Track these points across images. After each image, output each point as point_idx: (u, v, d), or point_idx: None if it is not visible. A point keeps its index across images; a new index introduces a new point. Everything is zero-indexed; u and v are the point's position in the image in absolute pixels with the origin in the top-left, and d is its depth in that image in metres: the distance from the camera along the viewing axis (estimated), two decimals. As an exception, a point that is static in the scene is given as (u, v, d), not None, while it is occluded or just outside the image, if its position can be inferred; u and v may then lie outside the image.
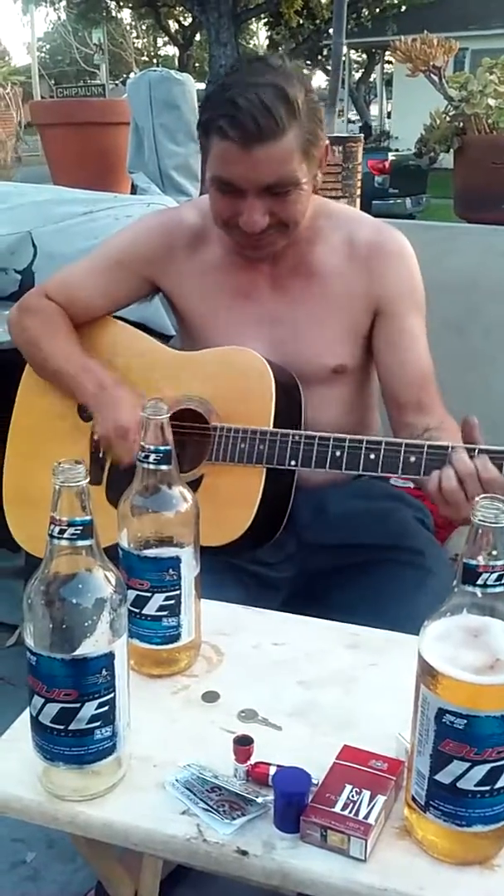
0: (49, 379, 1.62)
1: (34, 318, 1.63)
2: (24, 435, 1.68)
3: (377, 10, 23.09)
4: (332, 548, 1.53)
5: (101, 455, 1.57)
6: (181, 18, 27.36)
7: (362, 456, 1.37)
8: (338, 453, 1.39)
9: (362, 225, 1.58)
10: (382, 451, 1.36)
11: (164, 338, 1.77)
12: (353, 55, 27.77)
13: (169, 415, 1.06)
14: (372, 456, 1.37)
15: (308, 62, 26.42)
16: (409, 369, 1.53)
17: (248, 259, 1.53)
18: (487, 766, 0.80)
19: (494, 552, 0.79)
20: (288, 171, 1.38)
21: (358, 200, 2.44)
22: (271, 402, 1.44)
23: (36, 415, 1.67)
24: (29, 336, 1.63)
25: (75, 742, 0.89)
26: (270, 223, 1.42)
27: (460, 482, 1.28)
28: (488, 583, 0.79)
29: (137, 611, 1.08)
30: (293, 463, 1.42)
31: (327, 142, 1.46)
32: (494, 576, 0.79)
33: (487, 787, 0.81)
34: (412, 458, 1.34)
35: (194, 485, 1.43)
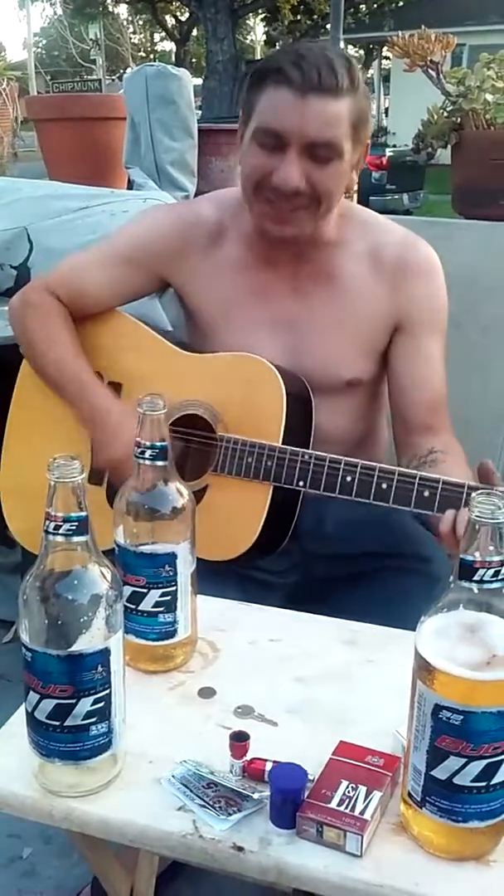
0: (46, 384, 1.59)
1: (35, 316, 1.57)
2: (23, 428, 1.65)
3: (374, 5, 23.05)
4: (335, 556, 1.50)
5: None
6: (178, 14, 27.30)
7: (374, 485, 1.33)
8: (348, 479, 1.35)
9: (390, 235, 1.53)
10: (395, 482, 1.32)
11: (162, 334, 1.76)
12: (350, 51, 27.74)
13: (165, 411, 1.05)
14: (384, 486, 1.33)
15: (305, 58, 26.37)
16: (422, 391, 1.50)
17: (269, 257, 1.50)
18: (483, 762, 0.80)
19: (491, 548, 0.78)
20: (336, 134, 1.34)
21: (355, 196, 2.43)
22: (281, 415, 1.40)
23: (35, 408, 1.64)
24: (29, 337, 1.59)
25: (71, 738, 0.89)
26: (304, 190, 1.36)
27: None
28: (485, 579, 0.79)
29: (133, 607, 1.07)
30: (301, 483, 1.38)
31: (369, 142, 1.44)
32: (491, 571, 0.79)
33: (483, 783, 0.81)
34: (426, 493, 1.30)
35: (198, 495, 1.40)
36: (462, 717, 0.79)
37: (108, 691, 0.89)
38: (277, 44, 22.54)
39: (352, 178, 1.45)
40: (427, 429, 1.48)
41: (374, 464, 1.35)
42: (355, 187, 2.39)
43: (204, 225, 1.55)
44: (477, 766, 0.80)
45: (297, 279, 1.51)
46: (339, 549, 1.50)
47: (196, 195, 2.42)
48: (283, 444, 1.40)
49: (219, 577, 1.31)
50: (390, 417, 1.58)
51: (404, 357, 1.51)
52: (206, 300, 1.56)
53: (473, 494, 0.80)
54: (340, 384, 1.52)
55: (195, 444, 1.47)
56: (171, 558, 1.07)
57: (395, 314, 1.50)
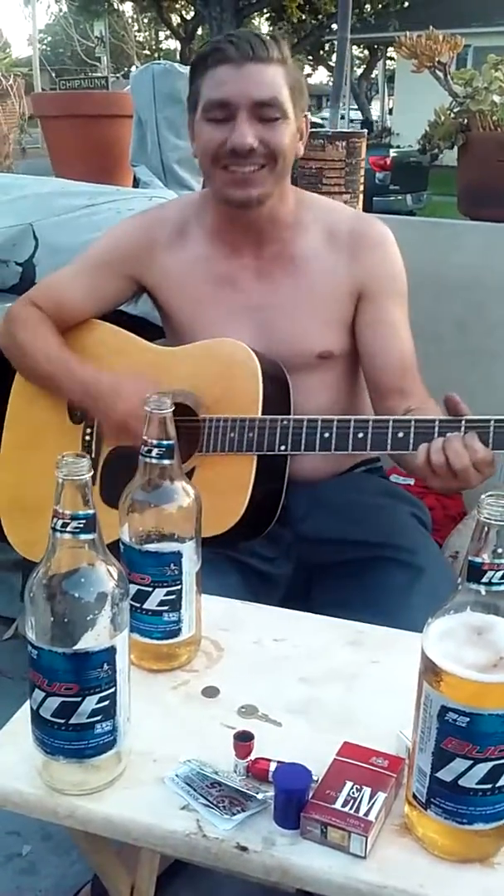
0: (38, 384, 1.65)
1: (20, 327, 1.65)
2: (16, 442, 1.70)
3: (380, 5, 22.99)
4: (327, 542, 1.53)
5: (93, 455, 1.58)
6: (183, 12, 27.28)
7: (351, 435, 1.39)
8: (326, 434, 1.40)
9: (342, 214, 1.63)
10: (370, 429, 1.38)
11: (163, 332, 1.76)
12: (355, 51, 27.71)
13: (172, 409, 1.06)
14: (360, 435, 1.38)
15: (310, 57, 26.40)
16: (390, 355, 1.55)
17: (232, 247, 1.57)
18: (489, 765, 0.80)
19: (500, 550, 0.78)
20: (277, 93, 1.44)
21: (360, 197, 2.43)
22: (258, 389, 1.45)
23: (27, 423, 1.69)
24: (16, 344, 1.65)
25: (76, 736, 0.88)
26: (258, 149, 1.44)
27: (446, 454, 1.29)
28: (493, 581, 0.79)
29: (138, 605, 1.07)
30: (283, 448, 1.42)
31: (308, 115, 1.53)
32: (499, 574, 0.79)
33: (489, 786, 0.81)
34: (400, 434, 1.36)
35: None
36: (468, 719, 0.79)
37: (113, 690, 0.89)
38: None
39: (299, 147, 1.53)
40: (399, 392, 1.54)
41: (348, 417, 1.41)
42: (361, 188, 2.40)
43: (168, 225, 1.63)
44: (483, 769, 0.80)
45: (260, 264, 1.58)
46: (330, 534, 1.53)
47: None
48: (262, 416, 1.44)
49: (218, 568, 1.33)
50: (367, 389, 1.63)
51: (369, 324, 1.57)
52: (177, 296, 1.62)
53: (482, 497, 0.80)
54: (312, 358, 1.57)
55: (181, 430, 1.49)
56: (176, 557, 1.07)
57: (356, 284, 1.56)
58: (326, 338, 1.57)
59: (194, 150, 1.54)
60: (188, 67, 2.51)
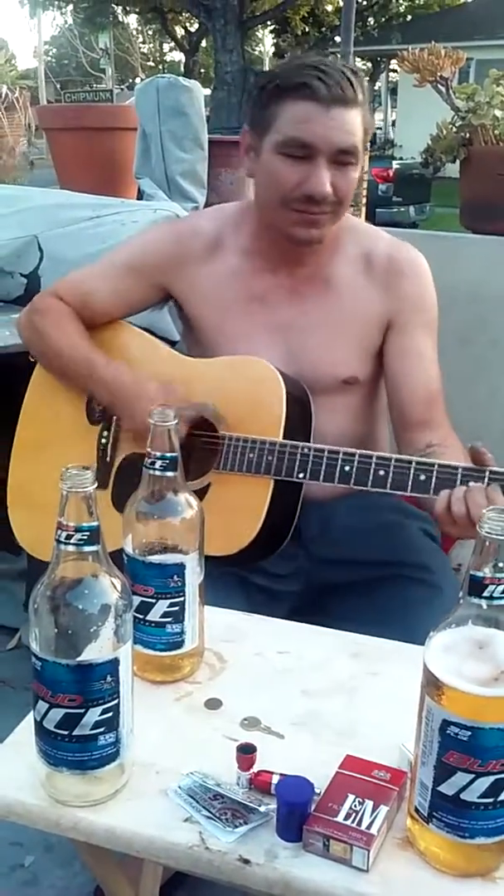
0: (59, 375, 1.63)
1: (44, 317, 1.62)
2: (31, 438, 1.68)
3: (383, 18, 23.15)
4: (338, 562, 1.52)
5: (107, 459, 1.57)
6: (187, 24, 27.42)
7: (372, 472, 1.37)
8: (347, 468, 1.39)
9: (380, 240, 1.60)
10: (392, 468, 1.36)
11: (169, 343, 1.77)
12: (358, 63, 27.84)
13: (176, 422, 1.06)
14: (381, 472, 1.37)
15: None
16: (417, 387, 1.54)
17: (266, 265, 1.55)
18: (491, 779, 0.80)
19: (501, 564, 0.79)
20: (357, 140, 1.43)
21: (363, 209, 2.45)
22: (281, 412, 1.44)
23: (43, 418, 1.67)
24: (38, 335, 1.63)
25: (79, 747, 0.89)
26: (330, 197, 1.43)
27: (467, 505, 1.27)
28: (494, 595, 0.79)
29: (141, 617, 1.08)
30: (301, 475, 1.41)
31: (367, 147, 1.53)
32: (500, 588, 0.79)
33: (491, 800, 0.81)
34: (422, 477, 1.34)
35: (201, 493, 1.43)
36: (470, 732, 0.79)
37: (116, 701, 0.89)
38: (286, 55, 22.63)
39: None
40: (424, 424, 1.52)
41: (371, 452, 1.39)
42: (364, 200, 2.41)
43: (202, 237, 1.60)
44: (484, 783, 0.80)
45: (294, 283, 1.57)
46: (343, 555, 1.52)
47: (206, 207, 2.43)
48: (283, 440, 1.43)
49: (224, 585, 1.33)
50: (389, 417, 1.62)
51: (397, 354, 1.56)
52: (205, 308, 1.60)
53: (484, 511, 0.81)
54: (337, 383, 1.55)
55: (199, 444, 1.50)
56: (179, 569, 1.07)
57: (387, 313, 1.55)
58: (353, 364, 1.56)
59: (249, 170, 1.52)
60: (193, 81, 2.54)
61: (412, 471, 1.35)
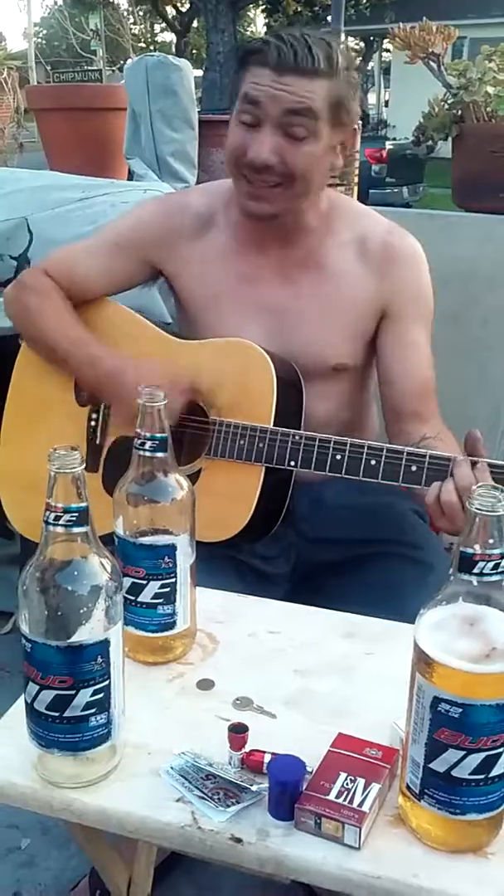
0: (44, 354, 1.60)
1: (31, 294, 1.60)
2: (20, 419, 1.66)
3: (376, -3, 22.94)
4: (330, 541, 1.52)
5: (97, 442, 1.56)
6: (178, 4, 27.17)
7: (363, 462, 1.37)
8: (338, 457, 1.38)
9: (376, 225, 1.56)
10: (384, 458, 1.36)
11: (161, 326, 1.76)
12: (351, 43, 27.60)
13: (165, 402, 1.05)
14: (373, 462, 1.36)
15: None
16: (411, 379, 1.52)
17: (257, 243, 1.53)
18: (482, 755, 0.80)
19: (491, 541, 0.78)
20: (312, 107, 1.37)
21: (355, 189, 2.43)
22: (272, 398, 1.42)
23: (31, 399, 1.65)
24: (25, 311, 1.61)
25: (70, 729, 0.89)
26: (275, 166, 1.39)
27: (459, 495, 1.27)
28: (484, 571, 0.79)
29: (133, 598, 1.07)
30: (292, 464, 1.40)
31: (356, 127, 1.47)
32: (490, 564, 0.79)
33: (482, 776, 0.81)
34: (413, 468, 1.33)
35: (192, 479, 1.41)
36: (461, 709, 0.79)
37: (107, 682, 0.89)
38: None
39: (334, 163, 1.47)
40: (417, 416, 1.51)
41: (363, 441, 1.38)
42: (356, 180, 2.40)
43: (192, 213, 1.58)
44: (475, 759, 0.81)
45: (285, 266, 1.54)
46: (333, 534, 1.52)
47: (197, 186, 2.41)
48: (274, 426, 1.42)
49: (216, 567, 1.32)
50: (381, 407, 1.60)
51: (391, 344, 1.53)
52: (196, 286, 1.58)
53: (474, 487, 0.80)
54: (327, 369, 1.54)
55: (189, 429, 1.48)
56: (170, 550, 1.07)
57: (381, 301, 1.52)
58: (344, 350, 1.53)
59: None
60: (182, 60, 2.52)
61: (403, 461, 1.34)
